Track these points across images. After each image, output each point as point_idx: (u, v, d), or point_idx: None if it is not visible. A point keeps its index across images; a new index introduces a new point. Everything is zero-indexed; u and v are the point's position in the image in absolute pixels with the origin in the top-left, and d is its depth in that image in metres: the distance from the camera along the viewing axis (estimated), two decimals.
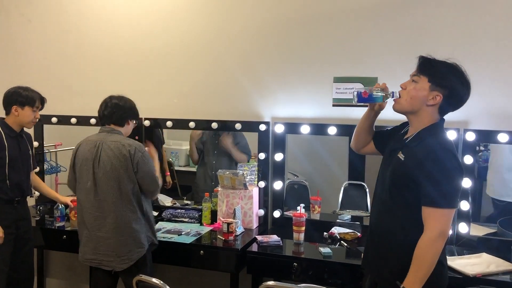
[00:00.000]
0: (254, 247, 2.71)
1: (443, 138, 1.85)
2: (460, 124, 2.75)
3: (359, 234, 2.78)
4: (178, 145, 3.72)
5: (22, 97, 2.78)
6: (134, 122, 2.75)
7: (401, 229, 1.87)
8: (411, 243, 1.79)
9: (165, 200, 3.47)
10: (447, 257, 2.41)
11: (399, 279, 1.81)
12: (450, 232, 1.78)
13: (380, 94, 1.94)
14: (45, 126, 3.60)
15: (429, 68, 1.84)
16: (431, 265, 1.76)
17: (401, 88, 1.89)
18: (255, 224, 3.05)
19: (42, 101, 2.91)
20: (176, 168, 3.69)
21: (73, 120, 3.49)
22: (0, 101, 2.84)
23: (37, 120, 2.90)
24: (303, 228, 2.77)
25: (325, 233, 2.87)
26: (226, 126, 3.19)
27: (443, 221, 1.74)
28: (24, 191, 2.87)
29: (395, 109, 1.91)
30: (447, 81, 1.83)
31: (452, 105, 1.89)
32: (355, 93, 1.94)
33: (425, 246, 1.75)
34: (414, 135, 1.87)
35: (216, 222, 3.07)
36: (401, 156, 1.86)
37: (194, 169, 3.64)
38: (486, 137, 2.72)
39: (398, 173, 1.85)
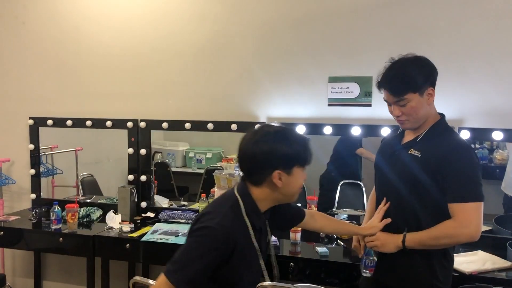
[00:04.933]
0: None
1: (456, 135, 1.86)
2: (455, 122, 2.75)
3: None
4: (174, 146, 3.73)
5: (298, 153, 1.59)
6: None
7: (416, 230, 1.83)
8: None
9: (162, 202, 3.47)
10: None
11: (413, 283, 1.85)
12: (481, 228, 1.73)
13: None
14: (41, 129, 3.59)
15: (409, 84, 1.78)
16: (438, 246, 1.78)
17: (397, 116, 1.85)
18: None
19: None
20: (173, 169, 3.69)
21: (69, 123, 3.49)
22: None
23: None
24: (300, 228, 2.77)
25: (321, 233, 2.87)
26: (222, 126, 3.19)
27: (476, 215, 1.71)
28: None
29: (407, 128, 1.90)
30: (423, 74, 1.80)
31: (435, 80, 1.85)
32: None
33: (447, 231, 1.74)
34: (425, 133, 1.85)
35: None
36: (415, 153, 1.83)
37: (190, 170, 3.65)
38: (481, 135, 2.73)
39: (414, 169, 1.80)
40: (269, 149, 1.53)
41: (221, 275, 1.54)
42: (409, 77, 1.78)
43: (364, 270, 2.00)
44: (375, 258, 1.97)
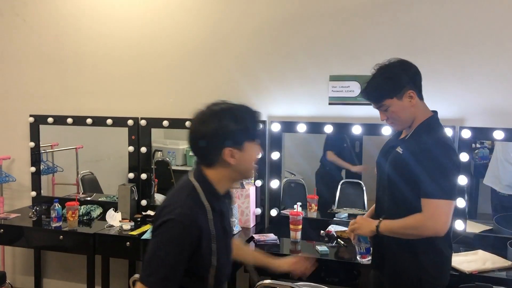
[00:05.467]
0: (251, 246, 2.71)
1: (438, 133, 1.89)
2: (456, 121, 2.76)
3: None
4: (175, 144, 3.73)
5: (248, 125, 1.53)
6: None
7: None
8: (404, 241, 1.87)
9: (162, 200, 3.46)
10: None
11: (401, 280, 1.90)
12: (448, 225, 1.80)
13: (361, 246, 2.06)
14: (41, 126, 3.59)
15: (382, 92, 1.90)
16: (407, 236, 1.84)
17: (383, 120, 1.98)
18: (252, 223, 3.05)
19: None
20: (173, 167, 3.69)
21: (69, 120, 3.49)
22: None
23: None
24: (300, 227, 2.77)
25: (322, 231, 2.88)
26: None
27: (444, 211, 1.77)
28: None
29: (398, 129, 2.02)
30: (398, 79, 1.89)
31: (419, 82, 1.94)
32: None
33: (414, 223, 1.81)
34: (412, 132, 1.93)
35: None
36: (399, 150, 1.92)
37: (191, 168, 3.63)
38: (482, 134, 2.72)
39: (397, 166, 1.90)
40: (216, 127, 1.49)
41: (194, 265, 1.48)
42: (382, 85, 1.90)
43: (358, 257, 2.08)
44: (368, 245, 2.03)
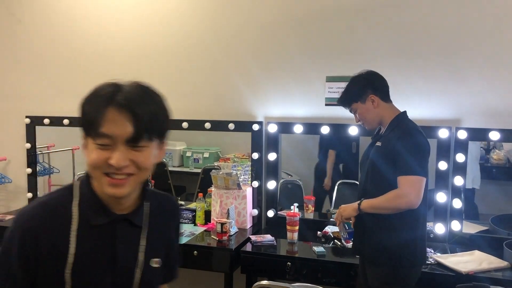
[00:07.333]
0: (248, 247, 2.71)
1: (406, 124, 2.17)
2: (452, 122, 2.76)
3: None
4: (172, 145, 3.71)
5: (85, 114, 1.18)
6: None
7: None
8: (385, 223, 2.10)
9: None
10: (438, 254, 2.46)
11: (380, 257, 2.10)
12: (419, 198, 2.02)
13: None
14: (38, 127, 3.58)
15: (349, 97, 2.25)
16: (385, 209, 2.09)
17: (356, 122, 2.30)
18: (249, 224, 3.05)
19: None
20: (170, 168, 3.68)
21: (66, 121, 3.48)
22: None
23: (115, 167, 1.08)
24: (297, 228, 2.77)
25: (318, 232, 2.88)
26: (219, 126, 3.19)
27: (415, 186, 2.02)
28: None
29: (369, 129, 2.31)
30: (362, 86, 2.21)
31: (381, 88, 2.23)
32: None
33: (391, 196, 2.06)
34: (386, 128, 2.20)
35: (210, 222, 3.07)
36: (378, 144, 2.19)
37: (187, 169, 3.64)
38: (478, 135, 2.73)
39: (378, 155, 2.15)
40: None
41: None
42: (347, 92, 2.26)
43: (343, 242, 2.51)
44: (350, 230, 2.27)
